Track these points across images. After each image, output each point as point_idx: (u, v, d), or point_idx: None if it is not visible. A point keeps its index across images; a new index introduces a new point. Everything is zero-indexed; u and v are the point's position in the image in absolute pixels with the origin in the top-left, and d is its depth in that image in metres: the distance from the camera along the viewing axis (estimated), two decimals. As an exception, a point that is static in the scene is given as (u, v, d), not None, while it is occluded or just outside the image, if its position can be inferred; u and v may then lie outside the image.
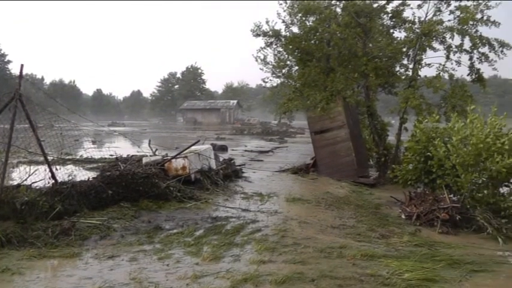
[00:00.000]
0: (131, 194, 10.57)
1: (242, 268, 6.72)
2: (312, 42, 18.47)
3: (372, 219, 11.04)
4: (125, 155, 15.93)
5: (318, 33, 18.09)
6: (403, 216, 11.48)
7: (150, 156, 14.33)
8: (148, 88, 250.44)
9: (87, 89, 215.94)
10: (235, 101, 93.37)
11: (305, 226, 9.65)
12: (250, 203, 11.85)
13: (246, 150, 28.86)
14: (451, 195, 11.64)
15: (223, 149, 26.90)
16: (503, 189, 11.30)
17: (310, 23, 18.18)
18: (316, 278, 6.38)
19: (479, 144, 10.56)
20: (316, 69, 17.91)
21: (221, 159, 17.22)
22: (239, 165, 17.51)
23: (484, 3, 16.64)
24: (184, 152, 13.51)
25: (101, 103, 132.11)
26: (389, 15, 18.64)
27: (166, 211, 10.38)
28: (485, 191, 10.95)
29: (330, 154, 17.62)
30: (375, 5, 18.18)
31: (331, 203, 12.53)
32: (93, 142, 30.77)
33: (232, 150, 27.90)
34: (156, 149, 16.29)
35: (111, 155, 15.92)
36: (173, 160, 13.10)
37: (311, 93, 17.63)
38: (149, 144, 17.53)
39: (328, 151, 17.68)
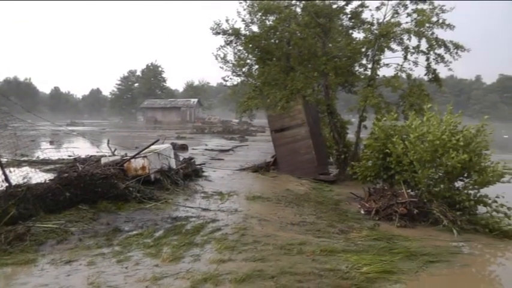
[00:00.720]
0: (90, 196, 10.22)
1: (202, 268, 6.64)
2: (272, 41, 18.50)
3: (332, 215, 11.17)
4: (83, 156, 15.50)
5: (277, 33, 18.11)
6: (362, 212, 11.70)
7: (109, 156, 13.98)
8: (108, 86, 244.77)
9: (45, 87, 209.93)
10: (196, 100, 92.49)
11: (265, 224, 9.64)
12: (211, 202, 11.74)
13: (206, 149, 28.65)
14: (409, 190, 11.97)
15: (184, 148, 26.64)
16: (459, 184, 11.69)
17: (271, 22, 18.18)
18: (276, 274, 6.38)
19: (435, 141, 10.93)
20: (276, 68, 17.96)
21: (181, 158, 17.03)
22: (199, 165, 17.36)
23: (439, 7, 17.21)
24: (144, 151, 13.26)
25: (59, 102, 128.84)
26: (349, 16, 18.87)
27: (126, 212, 10.11)
28: (442, 186, 11.36)
29: (290, 152, 17.71)
30: (334, 6, 18.34)
31: (291, 201, 12.59)
32: (51, 142, 29.91)
33: (193, 149, 27.65)
34: (115, 149, 15.91)
35: (69, 156, 15.42)
36: (132, 160, 12.83)
37: (271, 92, 17.64)
38: (108, 144, 17.12)
39: (288, 149, 17.77)
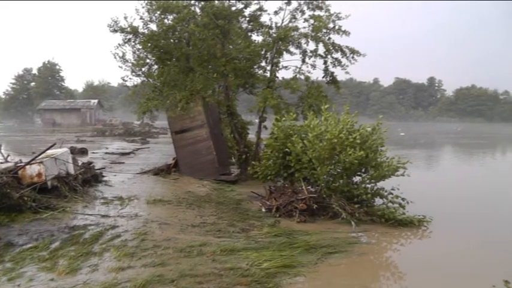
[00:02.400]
0: (-22, 209, 9.34)
1: (100, 278, 6.40)
2: (172, 41, 18.16)
3: (233, 215, 11.28)
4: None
5: (176, 32, 17.84)
6: (263, 210, 11.92)
7: (1, 163, 12.87)
8: (1, 86, 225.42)
9: None
10: (96, 101, 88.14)
11: (165, 227, 9.49)
12: (110, 208, 11.27)
13: (107, 153, 27.55)
14: (309, 187, 12.43)
15: (83, 152, 25.48)
16: (356, 179, 12.40)
17: (170, 22, 17.84)
18: (176, 278, 6.33)
19: (333, 139, 11.46)
20: (175, 68, 17.70)
21: (80, 163, 16.17)
22: (99, 169, 16.60)
23: (335, 14, 18.05)
24: (40, 157, 12.37)
25: None
26: (247, 19, 19.11)
27: (20, 224, 9.33)
28: (340, 181, 11.92)
29: (191, 153, 17.53)
30: (233, 8, 18.49)
31: (192, 202, 12.48)
32: None
33: (93, 153, 26.48)
34: (8, 155, 14.67)
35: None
36: (27, 166, 11.88)
37: (171, 93, 17.29)
38: (0, 149, 15.74)
39: (189, 150, 17.58)
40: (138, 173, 17.65)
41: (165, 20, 17.82)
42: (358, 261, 8.46)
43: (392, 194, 11.94)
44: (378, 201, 12.21)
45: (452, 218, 12.46)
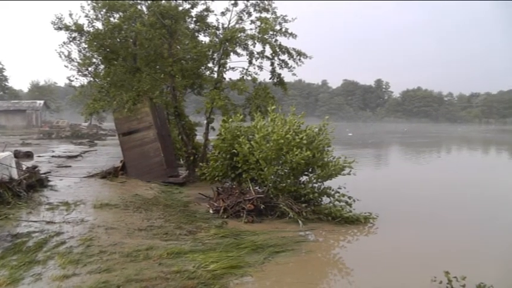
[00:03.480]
0: None
1: (44, 287, 6.30)
2: (118, 40, 17.72)
3: (180, 217, 11.28)
4: None
5: (122, 31, 17.40)
6: (211, 211, 11.99)
7: None
8: None
9: None
10: (42, 102, 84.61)
11: (112, 232, 9.38)
12: (56, 214, 10.96)
13: (53, 156, 26.71)
14: (257, 187, 12.61)
15: (29, 155, 24.55)
16: (303, 178, 12.70)
17: (116, 20, 17.42)
18: (122, 283, 6.31)
19: (280, 140, 11.71)
20: (122, 68, 17.38)
21: (25, 167, 15.64)
22: (45, 173, 16.11)
23: (282, 17, 18.31)
24: (-19, 162, 11.91)
25: None
26: (194, 19, 19.08)
27: (-41, 235, 9.03)
28: (288, 181, 12.17)
29: (138, 156, 17.33)
30: (180, 8, 18.38)
31: (140, 206, 12.37)
32: None
33: (39, 156, 25.57)
34: None
35: None
36: (-32, 173, 11.44)
37: (117, 94, 17.04)
38: None
39: (136, 153, 17.36)
40: (85, 177, 17.25)
41: (111, 19, 17.44)
42: (306, 259, 8.72)
43: (339, 192, 12.35)
44: (325, 200, 12.56)
45: (398, 214, 13.03)
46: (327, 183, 12.61)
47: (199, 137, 20.03)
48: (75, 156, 27.09)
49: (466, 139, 63.77)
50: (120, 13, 17.30)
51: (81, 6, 17.48)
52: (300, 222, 11.03)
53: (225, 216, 11.46)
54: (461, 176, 23.00)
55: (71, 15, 17.21)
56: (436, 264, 7.86)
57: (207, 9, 18.98)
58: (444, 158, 35.75)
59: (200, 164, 14.69)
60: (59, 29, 17.27)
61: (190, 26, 19.35)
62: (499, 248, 10.12)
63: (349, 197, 12.16)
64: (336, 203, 12.22)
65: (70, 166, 21.59)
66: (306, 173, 12.65)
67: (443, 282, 7.25)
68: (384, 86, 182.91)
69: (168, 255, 7.68)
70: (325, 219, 11.49)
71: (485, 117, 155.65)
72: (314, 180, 12.40)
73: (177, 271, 6.90)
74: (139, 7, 17.96)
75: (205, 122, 19.24)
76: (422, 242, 10.34)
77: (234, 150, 12.87)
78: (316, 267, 8.51)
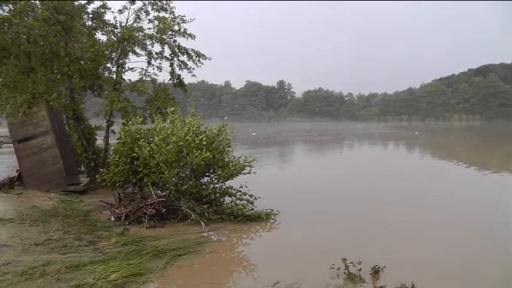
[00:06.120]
0: None
1: None
2: (9, 36, 16.18)
3: (80, 228, 10.75)
4: None
5: (13, 26, 15.84)
6: (112, 219, 11.60)
7: None
8: None
9: None
10: None
11: (5, 250, 8.66)
12: None
13: None
14: (158, 191, 12.46)
15: None
16: (205, 179, 12.67)
17: (6, 13, 15.97)
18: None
19: (179, 142, 11.60)
20: (14, 68, 16.03)
21: None
22: None
23: (180, 17, 17.99)
24: None
25: None
26: (91, 16, 18.20)
27: None
28: (189, 183, 12.16)
29: (36, 164, 16.16)
30: (76, 3, 17.33)
31: (37, 218, 11.55)
32: None
33: None
34: None
35: None
36: None
37: (11, 96, 15.70)
38: None
39: (34, 161, 16.18)
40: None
41: (0, 12, 16.07)
42: (210, 259, 8.79)
43: (240, 191, 12.55)
44: (228, 199, 12.68)
45: (299, 209, 13.56)
46: (229, 183, 12.75)
47: (100, 141, 19.15)
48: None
49: (366, 135, 68.16)
50: (10, 5, 15.90)
51: None
52: (202, 223, 11.07)
53: (127, 223, 11.16)
54: (358, 170, 24.42)
55: None
56: (335, 254, 8.22)
57: (104, 6, 18.17)
58: (345, 154, 37.79)
59: (101, 169, 14.00)
60: None
61: (87, 23, 18.44)
62: (390, 234, 10.92)
63: (251, 195, 12.44)
64: (238, 202, 12.43)
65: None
66: (207, 174, 12.66)
67: (341, 268, 7.73)
68: (286, 87, 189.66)
69: (66, 269, 7.30)
70: (227, 219, 11.65)
71: (383, 115, 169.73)
72: (215, 181, 12.47)
73: (76, 285, 6.61)
74: (31, 0, 16.56)
75: (105, 125, 18.42)
76: (322, 234, 10.86)
77: (135, 154, 12.52)
78: (221, 267, 8.62)
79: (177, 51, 17.98)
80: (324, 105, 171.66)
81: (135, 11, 18.13)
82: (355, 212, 13.46)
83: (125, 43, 17.49)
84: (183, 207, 11.52)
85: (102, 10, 18.27)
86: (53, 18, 16.11)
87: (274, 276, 7.57)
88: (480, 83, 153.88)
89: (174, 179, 12.01)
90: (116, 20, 18.39)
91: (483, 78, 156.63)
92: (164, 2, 18.12)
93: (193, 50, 18.12)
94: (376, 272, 7.75)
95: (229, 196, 12.62)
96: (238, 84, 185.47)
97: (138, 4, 18.16)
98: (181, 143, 11.59)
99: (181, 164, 12.03)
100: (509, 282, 8.05)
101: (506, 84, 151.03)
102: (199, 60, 18.28)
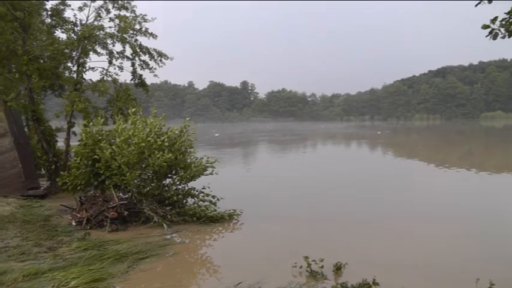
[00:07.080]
0: None
1: None
2: None
3: (40, 233, 10.42)
4: None
5: None
6: (73, 223, 11.33)
7: None
8: None
9: None
10: None
11: (-43, 260, 8.34)
12: None
13: None
14: (120, 194, 12.28)
15: None
16: (167, 181, 12.58)
17: None
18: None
19: (141, 143, 11.48)
20: (-30, 66, 15.46)
21: None
22: None
23: (141, 16, 17.88)
24: None
25: None
26: (49, 13, 17.83)
27: None
28: (152, 185, 12.05)
29: (-8, 168, 15.59)
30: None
31: (-6, 225, 11.13)
32: None
33: None
34: None
35: None
36: None
37: (-34, 97, 15.15)
38: None
39: (-11, 165, 15.61)
40: None
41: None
42: (173, 262, 8.73)
43: (203, 192, 12.56)
44: (190, 201, 12.68)
45: (262, 209, 13.63)
46: (192, 184, 12.73)
47: (61, 144, 18.66)
48: None
49: (329, 135, 69.15)
50: None
51: None
52: (165, 225, 11.01)
53: (89, 227, 10.94)
54: (321, 170, 24.77)
55: None
56: (298, 253, 8.32)
57: (63, 3, 17.84)
58: (309, 154, 38.13)
59: (61, 172, 13.67)
60: None
61: (46, 21, 18.02)
62: (353, 234, 11.07)
63: (213, 196, 12.46)
64: (201, 203, 12.41)
65: None
66: (169, 175, 12.59)
67: (304, 266, 7.84)
68: (249, 88, 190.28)
69: (24, 277, 7.08)
70: (190, 220, 11.61)
71: (346, 115, 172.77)
72: (177, 182, 12.38)
73: (33, 295, 6.38)
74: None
75: (66, 126, 17.99)
76: (285, 234, 10.94)
77: (96, 156, 12.27)
78: (184, 269, 8.58)
79: (138, 50, 17.87)
80: (288, 106, 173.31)
81: (95, 9, 18.00)
82: (318, 212, 13.60)
83: (86, 42, 17.23)
84: (146, 210, 11.43)
85: (62, 7, 17.97)
86: (9, 14, 15.61)
87: (237, 277, 7.60)
88: (440, 84, 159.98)
89: (136, 181, 11.87)
90: (76, 18, 18.15)
91: (443, 79, 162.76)
92: (125, 0, 17.92)
93: (155, 50, 18.06)
94: (338, 268, 7.89)
95: (192, 197, 12.60)
96: (201, 84, 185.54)
97: (99, 2, 18.01)
98: (143, 144, 11.48)
99: (143, 165, 11.90)
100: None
101: (464, 85, 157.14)
102: (161, 60, 18.21)
